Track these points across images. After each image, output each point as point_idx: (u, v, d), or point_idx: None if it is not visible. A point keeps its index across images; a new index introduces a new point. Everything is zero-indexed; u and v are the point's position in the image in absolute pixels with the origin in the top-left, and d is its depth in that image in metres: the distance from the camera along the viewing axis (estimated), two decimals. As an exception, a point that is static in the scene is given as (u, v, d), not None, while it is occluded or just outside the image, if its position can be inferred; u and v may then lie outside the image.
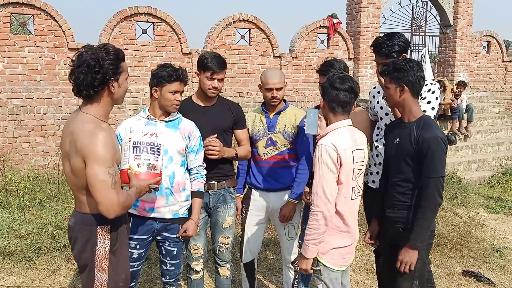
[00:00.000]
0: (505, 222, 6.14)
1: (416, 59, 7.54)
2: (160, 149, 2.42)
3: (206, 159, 2.97)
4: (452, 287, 4.16)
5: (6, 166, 6.75)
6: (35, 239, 4.60)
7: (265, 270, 4.41)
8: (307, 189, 3.21)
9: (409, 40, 3.14)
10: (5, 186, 6.07)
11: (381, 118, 3.28)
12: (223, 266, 3.28)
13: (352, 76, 10.77)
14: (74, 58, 2.09)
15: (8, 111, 7.48)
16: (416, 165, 2.57)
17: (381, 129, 3.26)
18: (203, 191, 2.96)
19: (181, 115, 2.93)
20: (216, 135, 3.00)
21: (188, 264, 3.21)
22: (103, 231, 2.14)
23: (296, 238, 3.42)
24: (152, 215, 2.79)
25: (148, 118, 2.83)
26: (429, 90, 2.99)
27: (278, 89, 3.17)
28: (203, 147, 2.95)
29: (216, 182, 3.11)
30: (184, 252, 3.12)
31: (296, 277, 3.47)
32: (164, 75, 2.74)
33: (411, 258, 2.57)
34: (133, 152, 2.35)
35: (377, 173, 3.20)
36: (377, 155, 3.23)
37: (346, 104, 2.49)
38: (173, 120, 2.86)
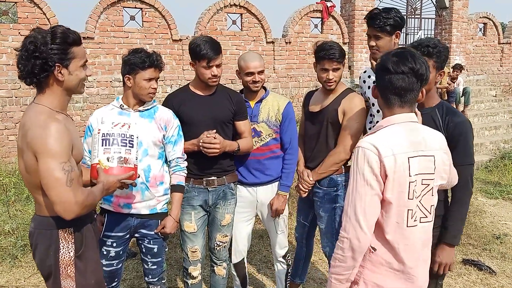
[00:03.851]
0: (504, 207, 6.03)
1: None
2: (133, 141, 2.22)
3: (201, 153, 2.75)
4: (452, 276, 4.03)
5: (-8, 160, 6.56)
6: (20, 235, 4.44)
7: (259, 263, 4.27)
8: (306, 173, 3.04)
9: (405, 22, 2.96)
10: (-10, 181, 5.89)
11: (373, 104, 3.12)
12: (219, 265, 3.10)
13: (348, 60, 10.61)
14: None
15: (-7, 102, 7.26)
16: None
17: (373, 115, 3.09)
18: (183, 184, 2.76)
19: (158, 103, 2.73)
20: (215, 130, 2.76)
21: (185, 267, 3.00)
22: (66, 235, 1.94)
23: (286, 231, 3.27)
24: (128, 211, 2.61)
25: (122, 108, 2.62)
26: None
27: (260, 72, 2.96)
28: (202, 143, 2.70)
29: (215, 178, 2.89)
30: (165, 250, 2.89)
31: (289, 271, 3.34)
32: (137, 61, 2.52)
33: (449, 257, 2.30)
34: (103, 145, 2.15)
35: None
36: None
37: (405, 92, 1.82)
38: (148, 109, 2.65)
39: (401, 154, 1.76)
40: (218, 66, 2.76)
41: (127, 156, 2.17)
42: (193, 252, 2.94)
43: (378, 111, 2.92)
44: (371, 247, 1.84)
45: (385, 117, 1.87)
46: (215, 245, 3.03)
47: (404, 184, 1.76)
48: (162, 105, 2.81)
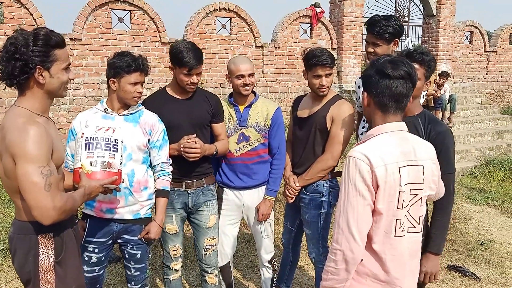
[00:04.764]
0: (489, 213, 6.09)
1: (400, 49, 7.42)
2: (117, 145, 2.19)
3: (181, 157, 2.75)
4: (437, 282, 4.05)
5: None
6: (2, 239, 4.36)
7: (245, 268, 4.25)
8: (293, 179, 3.04)
9: (404, 30, 2.96)
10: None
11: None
12: (210, 273, 3.05)
13: (336, 66, 10.67)
14: None
15: (-23, 103, 7.14)
16: None
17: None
18: (168, 189, 2.73)
19: (143, 107, 2.70)
20: (195, 135, 2.75)
21: (166, 265, 3.00)
22: (45, 240, 1.90)
23: (272, 236, 3.26)
24: (110, 216, 2.56)
25: (106, 111, 2.58)
26: None
27: (250, 75, 2.95)
28: (183, 148, 2.69)
29: (194, 181, 2.90)
30: (148, 256, 2.83)
31: (275, 276, 3.33)
32: (122, 65, 2.47)
33: (435, 266, 2.30)
34: (86, 149, 2.11)
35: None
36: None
37: (402, 97, 1.81)
38: (133, 113, 2.61)
39: (392, 164, 1.73)
40: (198, 74, 2.76)
41: (110, 160, 2.13)
42: (175, 250, 2.97)
43: None
44: None
45: (376, 125, 1.84)
46: (204, 250, 2.99)
47: (394, 194, 1.74)
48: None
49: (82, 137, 2.15)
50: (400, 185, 1.74)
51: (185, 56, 2.66)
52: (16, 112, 1.83)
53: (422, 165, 1.82)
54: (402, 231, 1.79)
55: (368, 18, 2.95)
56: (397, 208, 1.75)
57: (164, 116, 2.75)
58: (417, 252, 1.90)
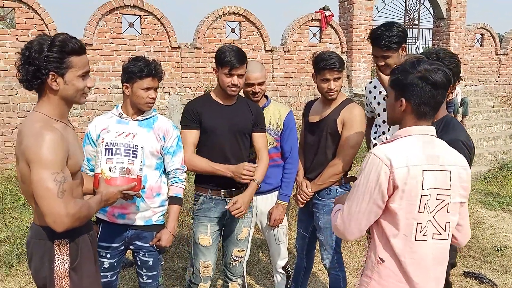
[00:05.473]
0: (504, 218, 5.99)
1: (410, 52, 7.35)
2: (137, 151, 2.17)
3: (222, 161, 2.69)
4: (453, 289, 3.98)
5: (-12, 166, 6.48)
6: (16, 243, 4.36)
7: (257, 273, 4.21)
8: (305, 184, 3.00)
9: (407, 34, 2.92)
10: (-15, 188, 5.81)
11: (379, 115, 3.09)
12: (234, 281, 2.99)
13: (346, 70, 10.61)
14: None
15: (-10, 108, 7.19)
16: None
17: (379, 126, 3.07)
18: (181, 197, 2.70)
19: (157, 112, 2.68)
20: (256, 165, 2.72)
21: (194, 283, 2.86)
22: (60, 246, 1.88)
23: (285, 241, 3.21)
24: (123, 221, 2.55)
25: (120, 116, 2.57)
26: None
27: (260, 84, 2.92)
28: (241, 175, 2.63)
29: (234, 190, 2.79)
30: (160, 263, 2.77)
31: (289, 283, 3.29)
32: (135, 70, 2.46)
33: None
34: (105, 154, 2.11)
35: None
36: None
37: (440, 105, 1.82)
38: (147, 118, 2.60)
39: (416, 166, 1.71)
40: (240, 76, 2.69)
41: (129, 166, 2.12)
42: (206, 267, 2.82)
43: (383, 121, 2.89)
44: (380, 258, 1.80)
45: (405, 127, 1.82)
46: (231, 260, 2.92)
47: (415, 196, 1.71)
48: (183, 110, 2.76)
49: (102, 142, 2.14)
50: (422, 189, 1.72)
51: (227, 56, 2.64)
52: (33, 117, 1.83)
53: (449, 171, 1.77)
54: (424, 235, 1.76)
55: (370, 32, 2.90)
56: (419, 211, 1.73)
57: (205, 120, 2.72)
58: (443, 260, 1.85)
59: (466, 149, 2.16)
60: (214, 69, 2.78)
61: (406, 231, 1.74)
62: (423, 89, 1.74)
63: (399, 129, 1.86)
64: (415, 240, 1.75)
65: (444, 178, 1.76)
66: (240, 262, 2.95)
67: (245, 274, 3.28)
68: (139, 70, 2.46)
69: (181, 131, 2.76)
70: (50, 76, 1.81)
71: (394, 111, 1.85)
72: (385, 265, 1.79)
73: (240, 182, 2.67)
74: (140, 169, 2.20)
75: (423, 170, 1.72)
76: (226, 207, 2.65)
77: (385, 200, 1.73)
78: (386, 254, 1.79)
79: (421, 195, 1.72)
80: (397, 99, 1.82)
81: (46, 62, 1.78)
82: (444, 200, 1.77)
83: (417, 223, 1.74)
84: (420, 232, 1.75)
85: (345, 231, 1.82)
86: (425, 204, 1.73)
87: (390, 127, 2.96)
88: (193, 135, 2.76)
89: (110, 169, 2.08)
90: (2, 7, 7.40)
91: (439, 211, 1.77)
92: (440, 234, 1.80)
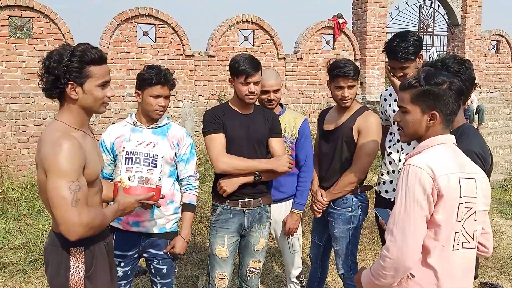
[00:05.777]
0: (521, 228, 5.88)
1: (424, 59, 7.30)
2: (156, 161, 2.18)
3: (241, 175, 2.68)
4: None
5: (5, 173, 6.57)
6: (30, 250, 4.40)
7: (270, 282, 4.18)
8: (320, 193, 2.97)
9: (423, 41, 2.90)
10: (2, 195, 5.89)
11: (394, 123, 3.06)
12: None
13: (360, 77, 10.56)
14: None
15: (7, 116, 7.30)
16: None
17: (394, 134, 3.04)
18: (195, 204, 2.70)
19: (171, 120, 2.70)
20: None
21: None
22: (76, 254, 1.89)
23: (300, 251, 3.19)
24: (136, 229, 2.56)
25: (134, 124, 2.60)
26: None
27: (275, 91, 2.92)
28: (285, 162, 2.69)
29: (251, 200, 2.77)
30: (174, 271, 2.78)
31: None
32: (146, 78, 2.50)
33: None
34: (125, 163, 2.13)
35: (391, 182, 2.98)
36: (390, 162, 3.00)
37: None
38: (161, 126, 2.62)
39: (453, 174, 1.71)
40: (256, 83, 2.69)
41: (148, 176, 2.13)
42: (221, 279, 2.81)
43: (399, 129, 2.86)
44: (410, 273, 1.75)
45: (429, 137, 1.80)
46: (248, 272, 2.89)
47: (455, 205, 1.70)
48: (204, 118, 2.76)
49: (123, 151, 2.16)
50: (460, 196, 1.71)
51: (241, 65, 2.64)
52: (54, 126, 1.86)
53: (474, 178, 1.77)
54: (457, 244, 1.73)
55: (385, 44, 2.86)
56: (456, 220, 1.71)
57: (227, 128, 2.72)
58: (470, 271, 1.82)
59: (480, 161, 2.11)
60: (229, 80, 2.78)
61: (444, 242, 1.71)
62: (453, 97, 1.76)
63: (421, 141, 1.83)
64: (453, 250, 1.72)
65: (472, 186, 1.75)
66: (257, 274, 2.92)
67: (258, 282, 3.26)
68: (149, 77, 2.49)
69: (206, 137, 2.73)
70: (69, 85, 1.84)
71: (421, 125, 1.81)
72: (415, 281, 1.74)
73: (283, 172, 2.73)
74: (160, 179, 2.21)
75: (459, 178, 1.71)
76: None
77: (431, 210, 1.68)
78: (418, 268, 1.73)
79: (459, 203, 1.71)
80: (425, 112, 1.79)
81: (65, 71, 1.81)
82: (471, 208, 1.75)
83: (455, 232, 1.72)
84: (458, 242, 1.73)
85: (404, 259, 1.66)
86: (461, 212, 1.72)
87: None
88: (222, 138, 2.71)
89: (129, 178, 2.09)
90: (20, 16, 7.54)
91: (467, 219, 1.75)
92: (469, 243, 1.77)
